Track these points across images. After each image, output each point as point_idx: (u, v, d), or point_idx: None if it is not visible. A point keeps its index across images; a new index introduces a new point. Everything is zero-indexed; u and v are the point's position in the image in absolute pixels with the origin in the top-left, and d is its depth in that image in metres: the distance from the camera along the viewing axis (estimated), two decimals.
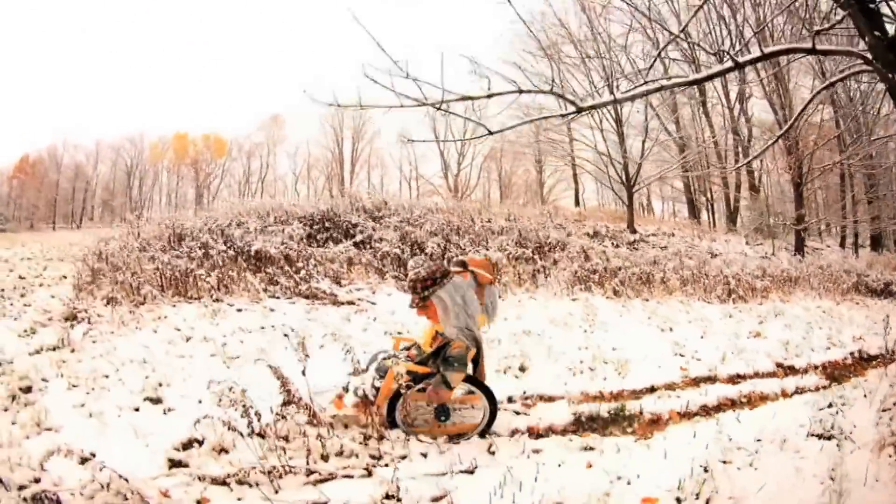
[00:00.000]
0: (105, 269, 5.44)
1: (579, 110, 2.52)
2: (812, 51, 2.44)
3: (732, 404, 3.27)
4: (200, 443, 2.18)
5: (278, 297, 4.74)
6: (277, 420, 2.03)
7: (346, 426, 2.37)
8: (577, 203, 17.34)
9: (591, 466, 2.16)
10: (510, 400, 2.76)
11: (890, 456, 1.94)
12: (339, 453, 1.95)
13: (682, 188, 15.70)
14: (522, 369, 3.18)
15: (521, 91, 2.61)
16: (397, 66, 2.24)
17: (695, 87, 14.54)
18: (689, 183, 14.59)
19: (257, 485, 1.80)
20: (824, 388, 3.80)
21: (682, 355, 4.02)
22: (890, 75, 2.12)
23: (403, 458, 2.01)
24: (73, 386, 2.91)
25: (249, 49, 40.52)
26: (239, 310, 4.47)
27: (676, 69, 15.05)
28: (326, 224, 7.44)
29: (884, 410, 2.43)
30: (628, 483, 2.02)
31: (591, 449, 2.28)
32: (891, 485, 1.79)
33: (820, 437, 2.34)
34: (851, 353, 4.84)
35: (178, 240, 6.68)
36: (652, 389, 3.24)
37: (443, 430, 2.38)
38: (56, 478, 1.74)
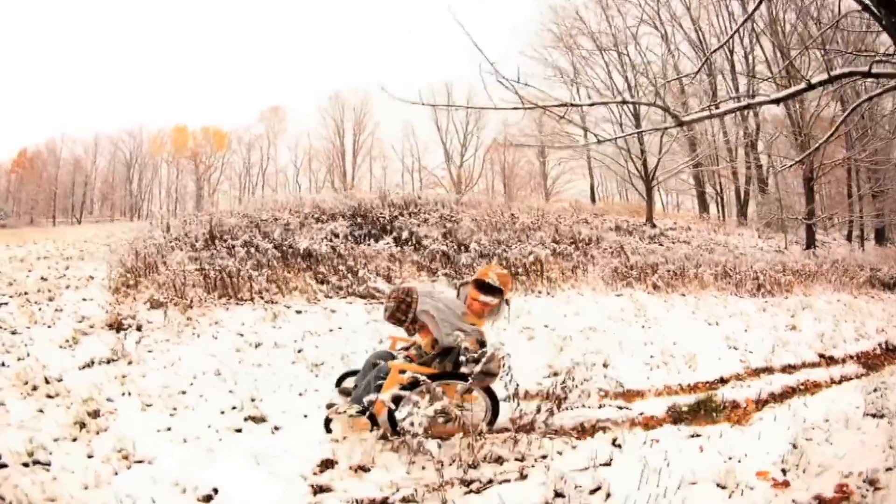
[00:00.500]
0: (141, 268, 5.30)
1: (680, 123, 2.71)
2: (868, 74, 2.69)
3: (793, 391, 3.55)
4: (334, 463, 2.05)
5: (330, 297, 4.76)
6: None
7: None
8: (592, 197, 17.58)
9: (702, 450, 2.39)
10: (606, 395, 2.96)
11: None
12: (486, 459, 2.03)
13: (693, 181, 16.02)
14: (605, 365, 3.39)
15: (624, 102, 2.79)
16: (493, 67, 2.41)
17: (706, 84, 14.83)
18: (700, 176, 14.91)
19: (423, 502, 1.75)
20: (863, 375, 4.12)
21: (735, 348, 4.29)
22: None
23: (544, 457, 2.16)
24: (147, 405, 2.67)
25: (248, 40, 40.04)
26: (298, 311, 4.41)
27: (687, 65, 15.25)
28: (359, 220, 7.54)
29: None
30: (739, 461, 2.27)
31: (699, 436, 2.51)
32: None
33: (874, 416, 2.65)
34: (879, 344, 5.18)
35: (213, 238, 6.68)
36: (723, 381, 3.50)
37: (444, 430, 2.35)
38: None
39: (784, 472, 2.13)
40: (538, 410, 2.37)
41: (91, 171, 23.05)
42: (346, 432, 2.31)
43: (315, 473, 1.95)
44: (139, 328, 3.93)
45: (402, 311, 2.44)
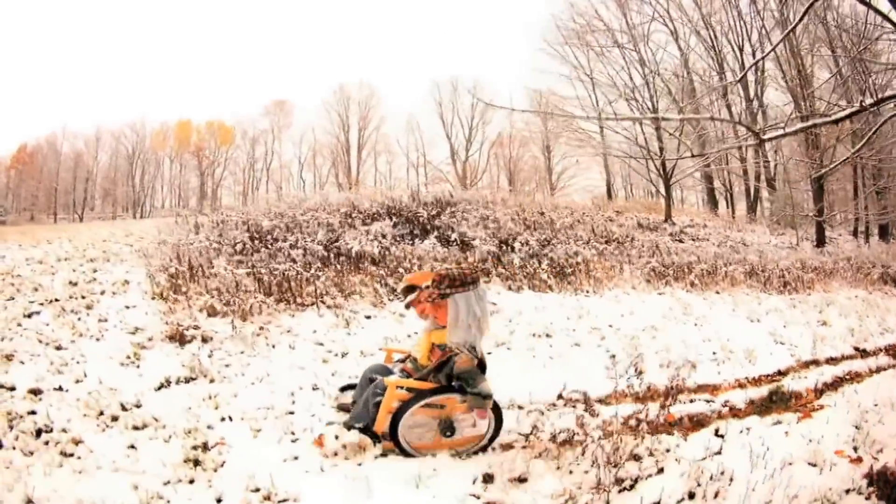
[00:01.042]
0: (186, 272, 5.12)
1: (761, 141, 3.02)
2: None
3: (841, 381, 3.94)
4: (492, 477, 2.07)
5: (392, 300, 4.76)
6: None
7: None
8: (608, 194, 17.92)
9: (788, 435, 2.74)
10: (690, 390, 3.29)
11: None
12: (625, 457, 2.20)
13: (702, 177, 16.44)
14: (667, 365, 3.71)
15: (711, 118, 3.10)
16: (578, 67, 2.69)
17: (719, 81, 15.18)
18: (710, 172, 15.32)
19: None
20: (894, 366, 4.55)
21: (782, 343, 4.67)
22: None
23: (667, 451, 2.36)
24: (257, 430, 2.51)
25: (252, 34, 39.68)
26: (367, 316, 4.38)
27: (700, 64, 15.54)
28: (395, 219, 7.73)
29: None
30: (818, 443, 2.62)
31: (780, 423, 2.85)
32: None
33: None
34: None
35: (253, 238, 6.60)
36: (780, 373, 3.87)
37: (448, 444, 2.36)
38: None
39: (855, 449, 2.49)
40: (662, 406, 2.66)
41: (93, 166, 22.85)
42: (337, 450, 2.23)
43: (478, 492, 1.93)
44: (205, 340, 3.72)
45: (450, 283, 2.35)
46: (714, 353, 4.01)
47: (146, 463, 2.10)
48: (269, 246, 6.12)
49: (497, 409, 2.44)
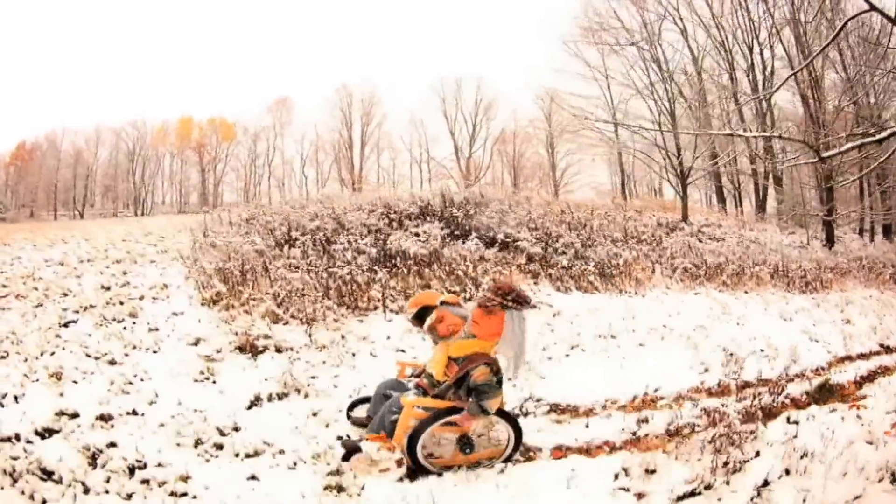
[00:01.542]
0: (238, 276, 5.05)
1: (822, 159, 3.42)
2: None
3: (875, 374, 4.41)
4: (628, 471, 2.23)
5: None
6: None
7: None
8: (623, 193, 18.39)
9: (844, 420, 3.18)
10: (752, 385, 3.71)
11: None
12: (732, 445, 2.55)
13: (710, 176, 16.98)
14: (728, 363, 4.13)
15: (780, 137, 3.50)
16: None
17: (729, 80, 15.69)
18: (719, 171, 15.86)
19: None
20: None
21: (816, 340, 5.13)
22: None
23: (756, 438, 2.72)
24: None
25: (254, 31, 39.68)
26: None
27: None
28: (428, 218, 7.99)
29: None
30: (869, 425, 3.07)
31: (835, 410, 3.29)
32: None
33: None
34: None
35: (294, 239, 6.58)
36: (822, 368, 4.32)
37: (466, 460, 2.39)
38: None
39: None
40: (738, 400, 3.06)
41: (93, 163, 22.76)
42: (366, 471, 2.23)
43: (625, 485, 2.08)
44: (279, 350, 3.65)
45: (514, 299, 2.37)
46: (762, 350, 4.45)
47: (280, 496, 1.95)
48: (321, 247, 6.08)
49: (516, 425, 2.43)
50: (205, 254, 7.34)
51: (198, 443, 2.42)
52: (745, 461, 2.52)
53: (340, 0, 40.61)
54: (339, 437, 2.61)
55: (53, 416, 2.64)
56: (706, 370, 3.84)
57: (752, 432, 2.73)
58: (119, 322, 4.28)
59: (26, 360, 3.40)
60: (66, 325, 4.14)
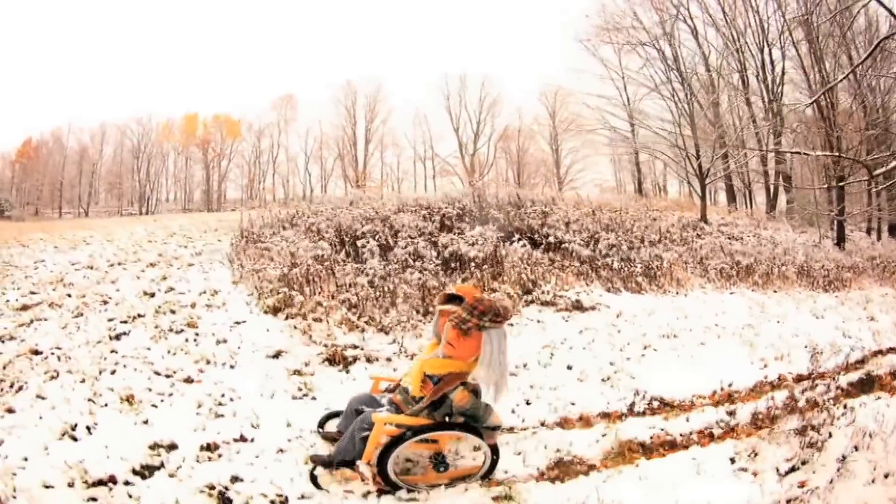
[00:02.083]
0: (302, 281, 5.00)
1: (873, 176, 3.93)
2: None
3: None
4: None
5: (527, 305, 4.90)
6: None
7: None
8: (639, 192, 18.97)
9: (889, 406, 3.71)
10: (805, 378, 4.24)
11: None
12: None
13: (721, 175, 17.62)
14: (780, 358, 4.66)
15: (834, 156, 4.00)
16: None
17: (740, 79, 16.30)
18: (729, 169, 16.50)
19: None
20: None
21: (848, 336, 5.70)
22: None
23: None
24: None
25: (259, 28, 39.92)
26: (510, 324, 4.48)
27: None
28: (466, 219, 8.32)
29: None
30: None
31: (880, 398, 3.82)
32: None
33: None
34: None
35: (343, 242, 6.84)
36: (860, 362, 4.88)
37: (441, 477, 2.40)
38: None
39: None
40: (802, 391, 3.57)
41: (98, 160, 22.80)
42: (334, 485, 2.26)
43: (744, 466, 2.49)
44: (369, 360, 3.71)
45: (491, 316, 2.36)
46: (805, 346, 4.99)
47: None
48: (379, 250, 6.10)
49: (494, 447, 2.47)
50: (249, 256, 7.60)
51: (342, 479, 2.40)
52: (823, 441, 3.05)
53: None
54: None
55: (147, 449, 2.50)
56: (765, 365, 4.36)
57: (832, 417, 3.27)
58: (178, 333, 4.12)
59: (83, 380, 3.21)
60: (117, 338, 3.95)
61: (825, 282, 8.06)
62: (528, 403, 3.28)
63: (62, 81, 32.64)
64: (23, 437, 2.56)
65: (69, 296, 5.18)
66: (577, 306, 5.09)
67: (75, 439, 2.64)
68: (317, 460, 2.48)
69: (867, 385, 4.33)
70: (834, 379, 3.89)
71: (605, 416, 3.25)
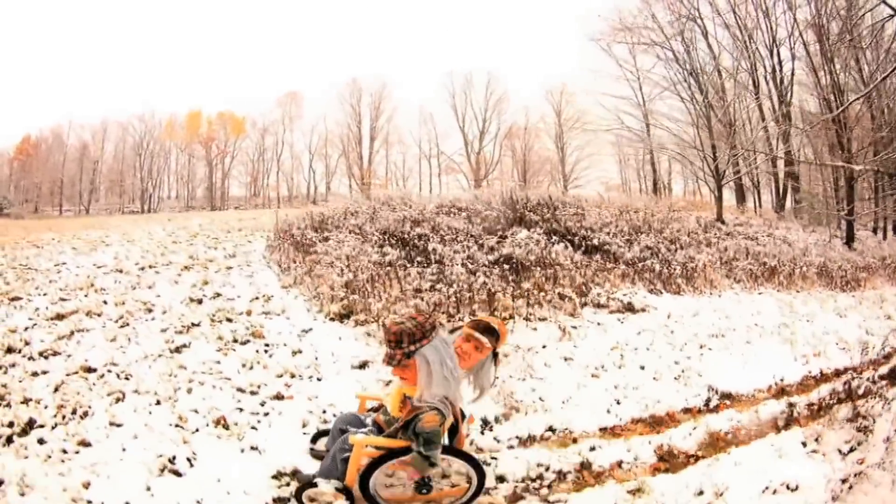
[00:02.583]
0: (365, 287, 5.10)
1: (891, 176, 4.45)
2: None
3: None
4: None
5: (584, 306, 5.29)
6: None
7: None
8: (655, 191, 19.60)
9: None
10: (840, 372, 4.79)
11: None
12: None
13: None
14: (817, 355, 5.21)
15: (851, 166, 4.53)
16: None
17: (749, 79, 16.94)
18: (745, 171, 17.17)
19: None
20: None
21: (872, 334, 6.28)
22: None
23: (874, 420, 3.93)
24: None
25: (263, 25, 39.97)
26: (573, 326, 4.83)
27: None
28: (501, 220, 8.70)
29: None
30: None
31: None
32: None
33: None
34: None
35: (391, 243, 6.84)
36: (887, 357, 5.46)
37: (425, 498, 2.40)
38: None
39: None
40: (844, 383, 4.11)
41: (99, 157, 22.83)
42: None
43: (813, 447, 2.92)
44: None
45: (412, 338, 2.30)
46: (836, 343, 5.56)
47: None
48: (431, 253, 6.26)
49: (479, 469, 2.47)
50: (295, 259, 7.86)
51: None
52: (870, 426, 3.59)
53: None
54: (295, 472, 2.66)
55: (271, 479, 2.51)
56: (806, 361, 4.90)
57: (884, 401, 3.81)
58: (243, 344, 4.09)
59: (158, 402, 3.14)
60: (178, 351, 3.91)
61: (842, 282, 8.69)
62: (618, 403, 3.71)
63: (62, 77, 32.81)
64: (113, 476, 2.40)
65: (105, 303, 5.03)
66: (629, 308, 5.56)
67: (178, 474, 2.52)
68: (301, 480, 2.53)
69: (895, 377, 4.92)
70: (875, 370, 4.44)
71: (687, 411, 3.71)
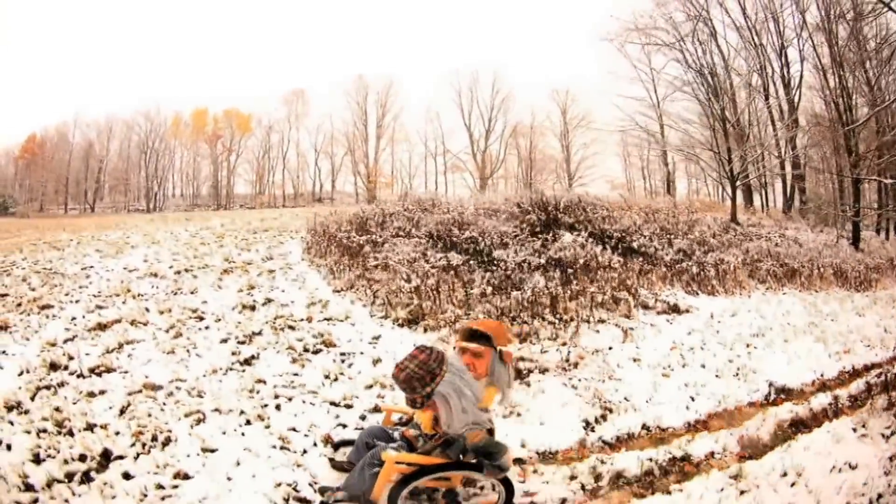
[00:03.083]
0: (432, 293, 5.24)
1: None
2: None
3: None
4: None
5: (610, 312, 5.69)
6: None
7: None
8: (668, 190, 20.29)
9: None
10: (869, 367, 5.41)
11: None
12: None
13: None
14: (847, 352, 5.82)
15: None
16: None
17: (758, 78, 17.66)
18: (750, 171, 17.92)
19: None
20: None
21: (889, 332, 6.94)
22: None
23: None
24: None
25: (269, 23, 40.02)
26: (631, 328, 5.23)
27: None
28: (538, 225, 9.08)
29: None
30: None
31: None
32: None
33: None
34: None
35: (448, 246, 7.09)
36: None
37: None
38: None
39: None
40: (878, 375, 4.73)
41: (105, 156, 22.92)
42: None
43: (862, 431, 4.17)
44: (542, 371, 4.10)
45: (423, 382, 2.29)
46: (861, 341, 6.21)
47: None
48: (484, 256, 6.59)
49: (508, 484, 2.53)
50: (342, 263, 8.05)
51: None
52: None
53: None
54: (313, 484, 2.66)
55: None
56: (840, 357, 5.52)
57: None
58: (315, 353, 4.08)
59: (248, 421, 3.07)
60: (247, 363, 3.80)
61: (857, 282, 9.39)
62: (692, 399, 4.16)
63: (67, 76, 32.73)
64: None
65: (147, 310, 4.89)
66: (675, 309, 6.14)
67: (307, 502, 2.50)
68: (325, 491, 2.56)
69: None
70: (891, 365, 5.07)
71: (752, 405, 4.21)
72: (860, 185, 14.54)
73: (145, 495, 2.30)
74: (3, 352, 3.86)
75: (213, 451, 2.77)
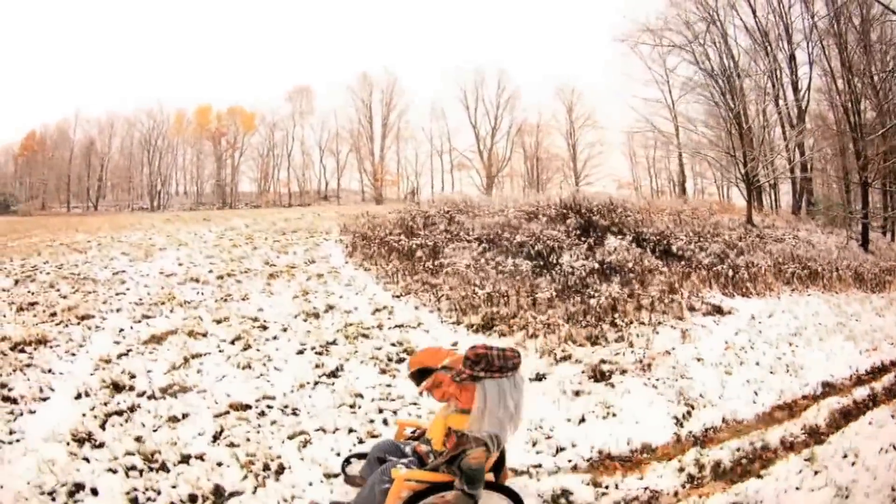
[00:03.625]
0: (500, 298, 5.58)
1: None
2: None
3: None
4: None
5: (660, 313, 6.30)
6: None
7: None
8: (683, 192, 21.18)
9: None
10: None
11: None
12: None
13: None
14: (875, 349, 6.63)
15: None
16: None
17: (768, 81, 18.61)
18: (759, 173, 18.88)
19: None
20: None
21: None
22: None
23: None
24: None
25: (273, 20, 40.17)
26: (685, 329, 5.68)
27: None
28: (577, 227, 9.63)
29: None
30: None
31: None
32: None
33: None
34: None
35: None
36: None
37: None
38: None
39: None
40: None
41: (106, 153, 23.04)
42: None
43: None
44: (622, 372, 4.42)
45: (485, 366, 2.39)
46: (885, 339, 7.04)
47: None
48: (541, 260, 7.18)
49: (516, 497, 2.57)
50: (398, 268, 8.29)
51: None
52: None
53: None
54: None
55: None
56: (869, 354, 6.31)
57: None
58: (400, 363, 4.16)
59: (360, 440, 3.13)
60: (333, 376, 3.80)
61: (872, 284, 10.30)
62: (756, 394, 4.73)
63: (67, 72, 32.61)
64: None
65: (201, 319, 4.78)
66: (718, 310, 6.89)
67: None
68: None
69: None
70: None
71: (805, 398, 4.84)
72: (868, 188, 15.54)
73: None
74: (49, 370, 3.58)
75: (335, 475, 2.79)
